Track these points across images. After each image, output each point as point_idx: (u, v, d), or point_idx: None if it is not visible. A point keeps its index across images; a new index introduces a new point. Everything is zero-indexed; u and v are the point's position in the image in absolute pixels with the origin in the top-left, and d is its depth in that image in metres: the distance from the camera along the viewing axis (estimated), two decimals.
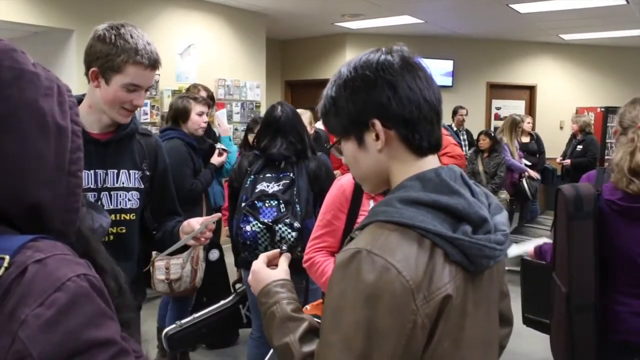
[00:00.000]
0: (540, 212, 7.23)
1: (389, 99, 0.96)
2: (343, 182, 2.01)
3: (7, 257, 0.60)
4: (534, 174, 6.69)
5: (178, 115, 3.39)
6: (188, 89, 4.15)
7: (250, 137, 4.38)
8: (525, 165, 6.90)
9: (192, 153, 3.35)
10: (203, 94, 3.99)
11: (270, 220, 2.54)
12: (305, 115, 3.63)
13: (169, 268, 3.09)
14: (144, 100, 1.75)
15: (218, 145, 3.69)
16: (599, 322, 1.97)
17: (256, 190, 2.60)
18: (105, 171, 1.76)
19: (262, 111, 7.14)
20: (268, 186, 2.61)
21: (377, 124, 0.97)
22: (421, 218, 0.90)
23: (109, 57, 1.64)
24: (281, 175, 2.64)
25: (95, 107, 1.73)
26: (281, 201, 2.56)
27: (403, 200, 0.93)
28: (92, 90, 1.72)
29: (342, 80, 1.01)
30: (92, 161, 1.71)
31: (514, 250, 2.72)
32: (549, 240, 2.58)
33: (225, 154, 3.66)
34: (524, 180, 6.47)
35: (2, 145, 0.65)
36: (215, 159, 3.62)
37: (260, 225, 2.54)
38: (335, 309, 0.90)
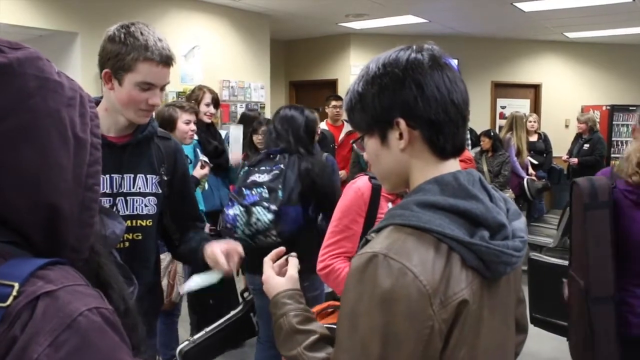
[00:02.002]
0: (546, 211, 7.22)
1: (416, 99, 0.94)
2: (360, 186, 1.97)
3: (17, 285, 0.58)
4: (533, 178, 6.65)
5: (164, 125, 3.21)
6: (193, 91, 4.13)
7: (255, 138, 4.39)
8: (532, 164, 6.88)
9: None
10: (208, 95, 3.97)
11: (249, 202, 2.58)
12: None
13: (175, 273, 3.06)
14: (160, 99, 1.70)
15: (201, 157, 3.56)
16: (619, 314, 1.95)
17: (248, 181, 2.67)
18: (121, 176, 1.71)
19: (267, 112, 7.14)
20: (259, 177, 2.67)
21: (402, 123, 0.96)
22: (438, 222, 0.89)
23: (119, 56, 1.60)
24: (274, 167, 2.69)
25: (112, 109, 1.69)
26: (265, 187, 2.61)
27: (421, 204, 0.92)
28: (107, 93, 1.68)
29: (370, 76, 0.99)
30: (107, 165, 1.62)
31: None
32: None
33: (207, 167, 3.51)
34: (525, 180, 6.44)
35: (22, 153, 0.64)
36: (198, 172, 3.46)
37: (241, 208, 2.58)
38: (351, 314, 0.89)
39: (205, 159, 3.57)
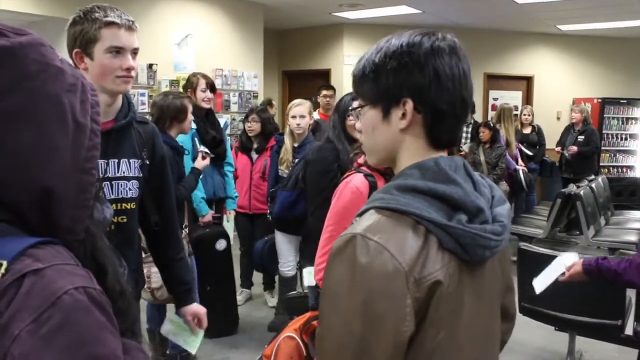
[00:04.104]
0: (537, 203, 7.28)
1: (430, 85, 0.95)
2: (358, 185, 1.95)
3: (5, 263, 0.59)
4: (523, 169, 6.70)
5: (177, 115, 3.21)
6: (188, 79, 4.10)
7: (246, 125, 4.41)
8: (526, 155, 6.92)
9: (175, 157, 3.18)
10: (203, 81, 3.95)
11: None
12: (304, 105, 3.63)
13: (149, 277, 2.92)
14: (134, 63, 1.72)
15: (201, 149, 3.57)
16: None
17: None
18: (106, 161, 1.76)
19: (260, 101, 7.14)
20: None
21: (410, 103, 0.96)
22: (416, 205, 0.91)
23: (82, 32, 1.66)
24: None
25: None
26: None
27: (400, 188, 0.94)
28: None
29: (391, 50, 0.98)
30: None
31: (540, 285, 2.65)
32: (574, 256, 2.49)
33: (208, 158, 3.52)
34: (520, 171, 6.49)
35: (20, 135, 0.66)
36: (199, 163, 3.46)
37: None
38: (333, 292, 0.92)
39: (206, 150, 3.57)
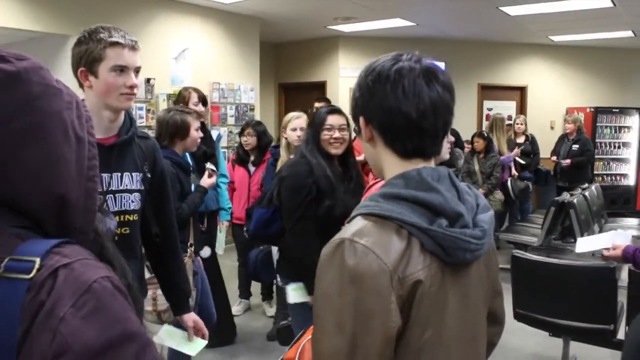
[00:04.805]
0: (532, 211, 7.34)
1: (367, 104, 1.07)
2: None
3: (38, 260, 0.68)
4: (512, 179, 6.77)
5: (177, 131, 3.07)
6: (179, 94, 4.09)
7: (242, 139, 4.46)
8: (519, 164, 6.99)
9: (180, 175, 3.09)
10: (195, 95, 3.95)
11: None
12: (302, 118, 3.68)
13: (155, 299, 2.76)
14: (136, 81, 1.81)
15: (208, 166, 3.52)
16: None
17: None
18: (110, 174, 1.83)
19: (257, 114, 7.21)
20: None
21: (362, 120, 1.09)
22: (399, 210, 0.99)
23: (88, 51, 1.74)
24: None
25: (94, 109, 1.78)
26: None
27: (385, 196, 1.03)
28: (88, 93, 1.80)
29: (360, 75, 1.11)
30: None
31: (583, 246, 2.67)
32: (625, 238, 2.53)
33: (214, 176, 3.48)
34: (509, 181, 6.56)
35: (32, 149, 0.73)
36: (205, 181, 3.39)
37: None
38: (324, 296, 0.99)
39: (213, 167, 3.54)
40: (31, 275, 0.66)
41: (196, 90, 4.05)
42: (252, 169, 4.44)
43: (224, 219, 4.25)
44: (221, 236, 4.26)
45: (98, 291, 0.69)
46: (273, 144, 4.44)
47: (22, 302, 0.65)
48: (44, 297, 0.66)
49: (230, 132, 6.91)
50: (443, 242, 0.99)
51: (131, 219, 1.90)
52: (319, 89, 8.62)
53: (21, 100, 0.73)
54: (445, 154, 2.31)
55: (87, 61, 1.74)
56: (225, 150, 6.73)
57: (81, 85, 1.80)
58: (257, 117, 6.83)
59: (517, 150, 6.92)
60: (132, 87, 1.79)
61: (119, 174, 1.86)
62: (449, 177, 1.08)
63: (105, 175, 1.82)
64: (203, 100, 4.02)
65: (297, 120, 3.59)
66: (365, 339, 0.94)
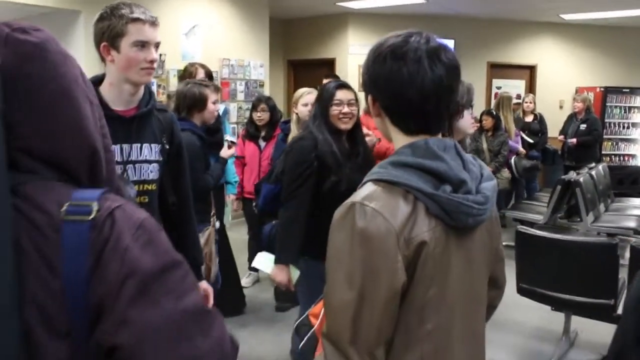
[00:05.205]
0: (539, 189, 7.39)
1: (373, 84, 1.14)
2: None
3: (95, 204, 0.79)
4: (522, 150, 6.79)
5: (194, 104, 3.13)
6: (185, 69, 4.11)
7: (255, 115, 4.51)
8: (527, 143, 7.01)
9: (203, 147, 3.16)
10: (201, 71, 3.98)
11: None
12: (313, 94, 3.71)
13: None
14: (156, 56, 1.90)
15: (227, 137, 3.60)
16: None
17: None
18: (130, 145, 1.92)
19: (266, 90, 7.25)
20: None
21: (370, 97, 1.17)
22: (406, 177, 1.07)
23: (110, 27, 1.82)
24: None
25: (116, 82, 1.89)
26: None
27: (394, 163, 1.10)
28: (109, 67, 1.88)
29: (370, 51, 1.16)
30: (118, 136, 1.86)
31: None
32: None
33: (234, 147, 3.57)
34: (512, 159, 6.59)
35: (66, 109, 0.83)
36: (225, 152, 3.48)
37: None
38: (337, 252, 1.07)
39: (232, 139, 3.62)
40: (92, 216, 0.77)
41: (202, 66, 4.10)
42: (262, 144, 4.50)
43: (230, 192, 4.33)
44: (228, 209, 4.35)
45: (148, 227, 0.82)
46: (282, 119, 4.50)
47: (88, 239, 0.76)
48: (107, 233, 0.78)
49: (240, 107, 6.96)
50: (447, 207, 1.06)
51: (150, 188, 1.99)
52: (328, 65, 8.63)
53: (50, 68, 0.81)
54: (468, 128, 2.35)
55: (109, 36, 1.82)
56: (235, 125, 6.80)
57: (103, 60, 1.87)
58: (267, 93, 6.87)
59: (521, 150, 6.93)
60: (152, 61, 1.87)
61: (139, 145, 1.95)
62: (455, 148, 1.15)
63: (125, 146, 1.90)
64: (209, 76, 4.05)
65: (309, 96, 3.64)
66: (373, 293, 1.02)
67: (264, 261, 2.71)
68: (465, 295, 1.15)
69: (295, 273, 2.60)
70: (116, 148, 1.87)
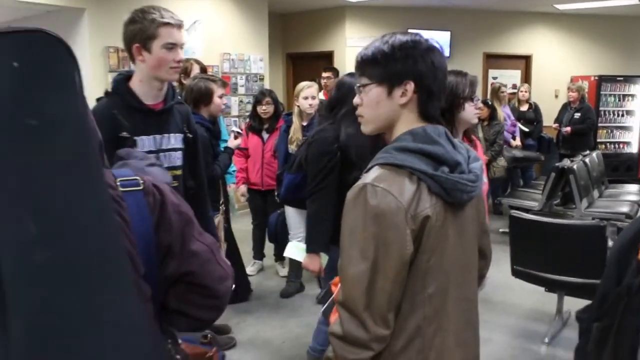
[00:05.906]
0: (535, 178, 7.54)
1: (428, 72, 1.26)
2: None
3: (138, 177, 1.02)
4: (516, 142, 6.94)
5: (200, 98, 3.29)
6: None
7: (259, 109, 4.63)
8: (522, 132, 7.15)
9: (211, 138, 3.32)
10: (196, 66, 4.11)
11: None
12: (313, 87, 3.85)
13: None
14: (182, 55, 2.09)
15: (233, 128, 3.72)
16: None
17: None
18: (161, 136, 2.14)
19: (266, 83, 7.37)
20: None
21: (411, 85, 1.26)
22: (410, 160, 1.22)
23: (142, 30, 1.99)
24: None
25: (146, 79, 2.07)
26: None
27: (397, 148, 1.25)
28: (139, 65, 2.06)
29: (398, 44, 1.26)
30: (151, 128, 2.10)
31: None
32: None
33: (240, 137, 3.69)
34: (503, 149, 6.73)
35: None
36: (232, 143, 3.59)
37: None
38: (351, 229, 1.22)
39: (238, 130, 3.74)
40: (142, 187, 1.01)
41: (197, 61, 4.24)
42: (265, 136, 4.63)
43: (230, 182, 4.46)
44: (233, 200, 4.50)
45: (176, 190, 1.09)
46: (284, 112, 4.64)
47: (147, 203, 1.00)
48: (158, 196, 1.03)
49: (241, 101, 7.10)
50: (445, 185, 1.22)
51: (178, 173, 2.21)
52: (327, 58, 8.75)
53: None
54: (472, 118, 2.47)
55: (141, 38, 1.99)
56: (237, 119, 6.94)
57: (132, 59, 2.05)
58: (267, 87, 7.00)
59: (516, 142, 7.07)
60: (179, 61, 2.06)
61: (168, 135, 2.16)
62: (445, 134, 1.31)
63: (157, 137, 2.12)
64: (204, 71, 4.17)
65: (309, 89, 3.78)
66: (385, 264, 1.18)
67: (295, 250, 2.86)
68: (459, 262, 1.32)
69: (325, 259, 2.75)
70: (150, 139, 2.10)
